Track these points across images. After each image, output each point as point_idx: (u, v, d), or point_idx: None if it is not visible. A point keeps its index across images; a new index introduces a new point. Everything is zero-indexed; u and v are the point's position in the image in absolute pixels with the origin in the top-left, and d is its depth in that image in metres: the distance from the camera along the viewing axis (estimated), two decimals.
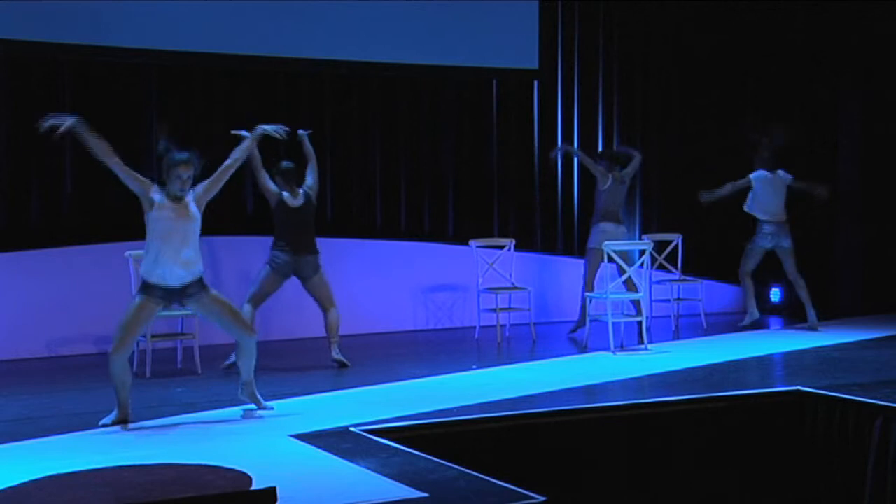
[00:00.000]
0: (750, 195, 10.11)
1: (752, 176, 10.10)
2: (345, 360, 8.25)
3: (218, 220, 9.98)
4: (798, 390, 7.22)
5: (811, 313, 10.11)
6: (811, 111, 12.38)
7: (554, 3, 11.57)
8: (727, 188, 10.22)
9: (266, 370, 8.02)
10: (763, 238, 10.05)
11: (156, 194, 6.38)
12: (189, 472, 5.22)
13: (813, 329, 10.05)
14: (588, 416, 6.67)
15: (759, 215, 10.07)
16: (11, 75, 9.44)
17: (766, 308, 11.92)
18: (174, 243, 6.33)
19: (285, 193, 8.36)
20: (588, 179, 11.92)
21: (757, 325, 10.27)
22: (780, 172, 10.10)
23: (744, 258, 10.22)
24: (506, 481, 5.03)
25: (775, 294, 12.02)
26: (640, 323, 9.49)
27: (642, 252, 9.90)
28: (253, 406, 6.73)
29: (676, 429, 6.86)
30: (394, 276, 10.64)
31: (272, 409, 6.75)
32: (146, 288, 6.39)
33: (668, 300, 10.86)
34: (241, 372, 6.76)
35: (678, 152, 12.25)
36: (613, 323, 9.05)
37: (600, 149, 11.94)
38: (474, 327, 10.30)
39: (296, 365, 8.40)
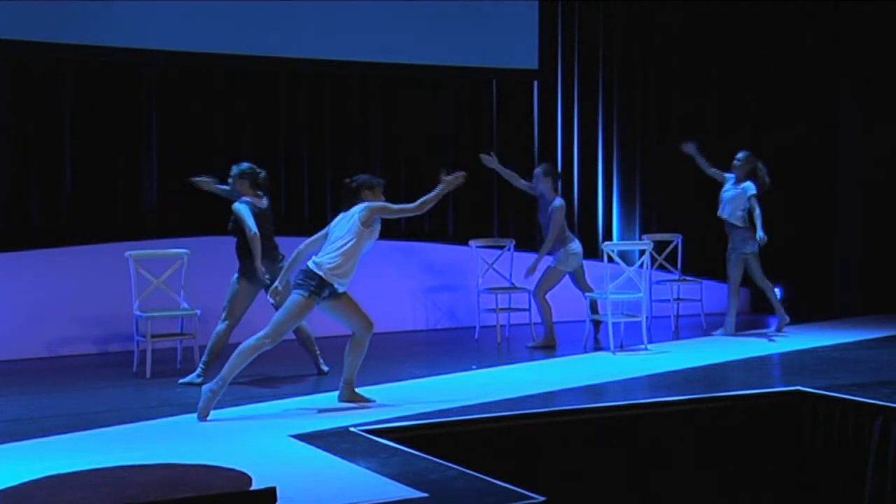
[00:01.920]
0: (751, 210, 9.85)
1: (755, 191, 9.86)
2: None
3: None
4: (798, 390, 7.22)
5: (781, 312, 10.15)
6: (811, 111, 12.38)
7: (554, 3, 11.57)
8: (714, 171, 10.11)
9: (266, 370, 8.02)
10: (754, 244, 9.87)
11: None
12: (189, 472, 5.22)
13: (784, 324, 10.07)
14: (588, 416, 6.67)
15: (741, 223, 9.91)
16: (11, 75, 9.44)
17: (766, 308, 11.92)
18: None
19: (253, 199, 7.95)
20: (587, 181, 11.96)
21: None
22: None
23: (744, 270, 10.04)
24: (506, 481, 5.04)
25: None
26: (595, 322, 9.61)
27: (642, 252, 9.90)
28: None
29: (676, 429, 6.86)
30: (394, 276, 10.64)
31: (374, 401, 6.93)
32: (322, 287, 6.61)
33: (668, 300, 10.85)
34: (344, 370, 6.91)
35: (678, 152, 12.22)
36: (613, 323, 9.06)
37: (600, 151, 11.94)
38: (474, 327, 10.31)
39: (296, 365, 8.40)
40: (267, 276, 7.77)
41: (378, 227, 6.87)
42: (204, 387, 6.61)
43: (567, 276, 9.58)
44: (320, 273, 6.59)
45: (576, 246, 9.51)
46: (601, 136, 11.96)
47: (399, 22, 10.69)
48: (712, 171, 10.14)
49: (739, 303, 10.34)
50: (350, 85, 10.76)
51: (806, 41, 12.31)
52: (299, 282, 6.66)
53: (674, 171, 12.18)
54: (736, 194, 9.79)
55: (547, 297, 9.52)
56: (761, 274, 9.94)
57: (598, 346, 9.32)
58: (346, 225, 6.77)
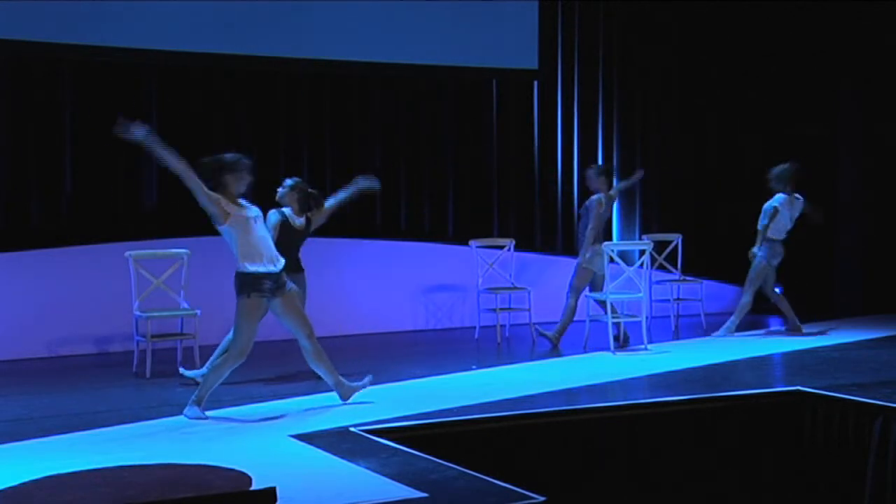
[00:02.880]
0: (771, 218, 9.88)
1: (778, 203, 9.83)
2: None
3: None
4: (798, 390, 7.22)
5: (794, 318, 10.11)
6: (811, 111, 12.38)
7: (554, 3, 11.57)
8: (764, 227, 10.02)
9: (266, 371, 8.02)
10: (776, 257, 9.93)
11: (231, 206, 6.54)
12: (189, 472, 5.22)
13: (796, 332, 10.02)
14: (588, 416, 6.67)
15: (776, 236, 9.91)
16: (11, 75, 9.44)
17: (767, 308, 11.92)
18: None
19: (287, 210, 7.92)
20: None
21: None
22: (797, 195, 9.95)
23: (764, 280, 9.97)
24: (506, 481, 5.04)
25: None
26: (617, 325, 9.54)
27: (642, 252, 9.90)
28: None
29: (676, 429, 6.86)
30: (394, 276, 10.64)
31: (371, 377, 7.06)
32: (256, 282, 6.53)
33: (668, 300, 10.85)
34: (325, 378, 6.91)
35: (678, 152, 12.24)
36: (612, 323, 9.06)
37: (600, 151, 11.93)
38: (474, 327, 10.30)
39: (296, 365, 8.39)
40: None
41: (247, 204, 6.61)
42: (186, 411, 6.62)
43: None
44: (243, 271, 6.53)
45: (606, 246, 9.48)
46: (601, 136, 11.96)
47: (399, 22, 10.69)
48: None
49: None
50: (350, 85, 10.76)
51: (806, 41, 12.31)
52: (236, 289, 6.60)
53: (674, 171, 12.20)
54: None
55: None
56: (772, 286, 10.02)
57: (626, 344, 9.24)
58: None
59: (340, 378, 6.94)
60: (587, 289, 9.59)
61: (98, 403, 7.16)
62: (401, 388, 7.59)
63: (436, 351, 9.73)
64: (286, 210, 7.85)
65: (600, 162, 11.85)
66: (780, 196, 9.86)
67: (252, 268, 6.51)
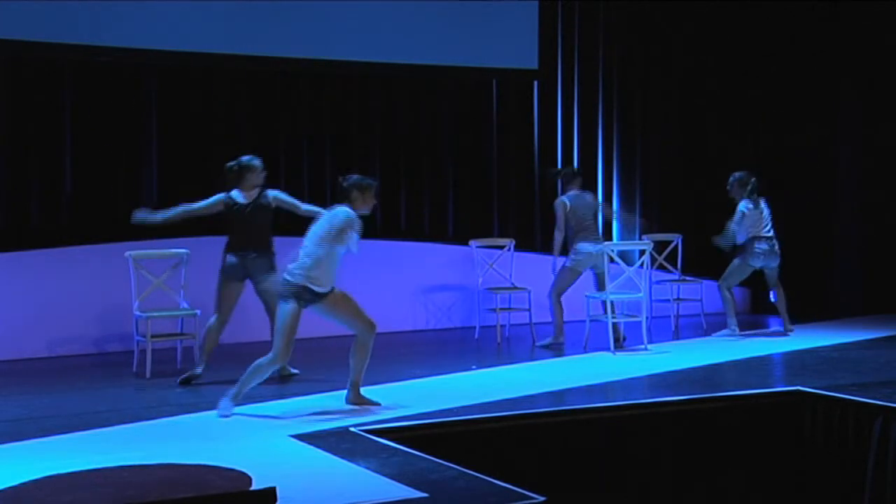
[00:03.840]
0: (736, 225, 9.83)
1: (741, 208, 9.76)
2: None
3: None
4: (798, 390, 7.22)
5: (786, 319, 10.07)
6: (811, 111, 12.38)
7: (554, 3, 11.57)
8: (732, 231, 9.95)
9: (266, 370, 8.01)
10: (755, 258, 9.88)
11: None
12: (189, 472, 5.22)
13: (788, 332, 9.99)
14: (588, 416, 6.67)
15: (752, 234, 9.86)
16: (11, 75, 9.44)
17: (767, 308, 11.92)
18: None
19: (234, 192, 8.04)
20: (587, 181, 11.94)
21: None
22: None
23: (731, 273, 10.00)
24: (506, 481, 5.04)
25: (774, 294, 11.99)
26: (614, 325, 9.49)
27: (642, 252, 9.90)
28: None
29: (676, 429, 6.86)
30: (394, 276, 10.64)
31: (381, 403, 6.86)
32: (300, 293, 6.59)
33: (668, 300, 10.85)
34: (350, 372, 6.85)
35: (678, 152, 12.24)
36: (613, 323, 9.06)
37: (600, 151, 11.93)
38: (474, 327, 10.31)
39: (295, 365, 8.39)
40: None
41: (356, 235, 6.63)
42: (221, 402, 6.66)
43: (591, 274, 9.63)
44: (294, 280, 6.55)
45: (583, 247, 9.48)
46: (601, 136, 11.95)
47: (399, 22, 10.69)
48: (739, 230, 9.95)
49: (737, 303, 10.36)
50: (350, 85, 10.76)
51: (806, 41, 12.31)
52: (282, 291, 6.63)
53: (674, 171, 12.19)
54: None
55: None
56: (772, 285, 10.03)
57: (619, 345, 9.23)
58: (322, 228, 6.62)
59: (360, 383, 6.90)
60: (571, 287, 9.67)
61: (98, 403, 7.16)
62: (401, 388, 7.59)
63: (436, 351, 9.74)
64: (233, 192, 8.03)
65: (600, 164, 11.90)
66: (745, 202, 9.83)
67: (304, 281, 6.54)
